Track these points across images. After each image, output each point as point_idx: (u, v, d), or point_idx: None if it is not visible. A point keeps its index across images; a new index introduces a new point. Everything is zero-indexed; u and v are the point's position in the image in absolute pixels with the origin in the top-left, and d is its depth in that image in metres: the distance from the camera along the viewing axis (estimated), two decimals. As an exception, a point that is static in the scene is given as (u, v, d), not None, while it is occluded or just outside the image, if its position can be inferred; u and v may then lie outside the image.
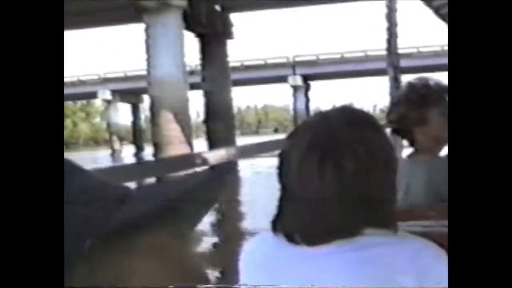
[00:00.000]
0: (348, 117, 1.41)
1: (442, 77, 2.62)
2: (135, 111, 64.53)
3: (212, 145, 26.43)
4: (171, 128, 22.74)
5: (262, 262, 1.44)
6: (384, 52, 6.91)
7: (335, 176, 1.32)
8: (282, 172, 1.39)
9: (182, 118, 23.04)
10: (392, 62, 6.70)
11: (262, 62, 55.20)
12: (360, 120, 1.41)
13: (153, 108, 23.87)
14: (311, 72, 53.69)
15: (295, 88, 56.38)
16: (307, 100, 57.30)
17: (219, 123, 27.67)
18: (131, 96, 60.87)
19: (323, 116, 1.42)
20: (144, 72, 24.70)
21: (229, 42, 31.88)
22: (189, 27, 26.46)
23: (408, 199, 2.57)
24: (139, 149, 57.71)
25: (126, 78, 58.16)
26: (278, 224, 1.40)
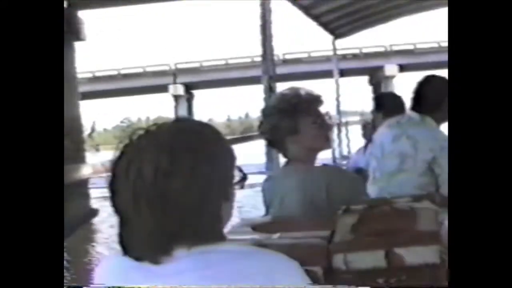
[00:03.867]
0: (174, 127, 1.45)
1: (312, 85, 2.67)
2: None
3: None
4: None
5: (114, 283, 1.41)
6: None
7: (138, 182, 1.35)
8: (108, 190, 1.39)
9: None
10: (267, 70, 6.52)
11: (141, 70, 54.37)
12: (186, 131, 1.43)
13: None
14: (194, 80, 53.42)
15: (177, 98, 55.98)
16: (190, 110, 57.02)
17: (66, 140, 26.75)
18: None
19: (150, 127, 1.44)
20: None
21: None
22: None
23: (284, 209, 2.66)
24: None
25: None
26: (122, 246, 1.41)
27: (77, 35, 28.89)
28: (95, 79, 52.55)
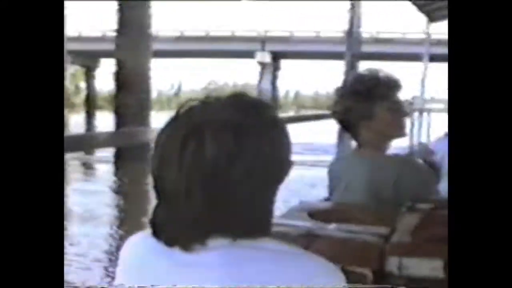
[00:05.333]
0: (234, 102, 1.31)
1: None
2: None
3: (120, 121, 25.92)
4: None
5: (136, 267, 1.35)
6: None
7: (195, 162, 1.24)
8: (153, 163, 1.30)
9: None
10: (351, 46, 6.37)
11: (229, 34, 54.66)
12: (248, 109, 1.30)
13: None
14: (282, 49, 53.40)
15: (263, 65, 56.10)
16: (275, 79, 57.13)
17: (131, 98, 26.67)
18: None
19: (206, 99, 1.32)
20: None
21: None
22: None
23: (346, 197, 2.57)
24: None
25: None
26: (155, 226, 1.32)
27: None
28: (184, 38, 53.17)
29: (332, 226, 2.05)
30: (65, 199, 10.71)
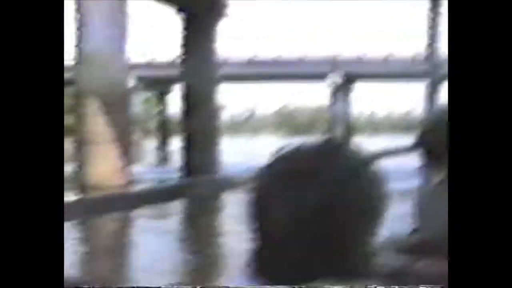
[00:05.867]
0: (330, 149, 1.38)
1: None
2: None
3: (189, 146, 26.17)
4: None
5: None
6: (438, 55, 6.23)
7: (297, 206, 1.30)
8: (255, 206, 1.36)
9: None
10: (434, 67, 5.96)
11: (300, 57, 54.65)
12: (341, 155, 1.37)
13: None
14: (354, 70, 53.14)
15: (335, 88, 55.85)
16: (348, 101, 56.86)
17: (198, 123, 26.67)
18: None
19: (301, 146, 1.39)
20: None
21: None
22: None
23: (436, 231, 2.40)
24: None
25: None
26: (255, 266, 1.36)
27: (220, 13, 28.79)
28: (255, 62, 53.44)
29: (422, 263, 2.04)
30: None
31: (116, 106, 19.93)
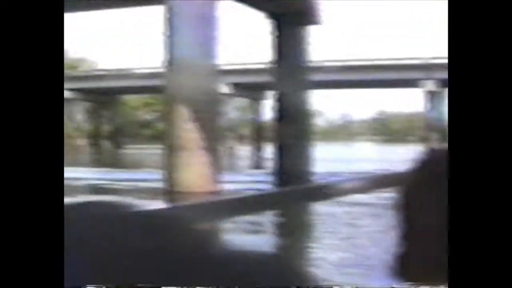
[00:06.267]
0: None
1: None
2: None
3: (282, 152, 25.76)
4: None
5: None
6: None
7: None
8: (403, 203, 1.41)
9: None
10: None
11: (394, 62, 53.98)
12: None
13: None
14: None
15: (429, 94, 54.96)
16: (442, 107, 55.84)
17: (290, 128, 26.24)
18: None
19: (438, 150, 1.44)
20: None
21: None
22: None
23: None
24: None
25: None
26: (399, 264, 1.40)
27: (313, 18, 28.18)
28: (349, 68, 53.11)
29: None
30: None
31: (206, 112, 20.10)
